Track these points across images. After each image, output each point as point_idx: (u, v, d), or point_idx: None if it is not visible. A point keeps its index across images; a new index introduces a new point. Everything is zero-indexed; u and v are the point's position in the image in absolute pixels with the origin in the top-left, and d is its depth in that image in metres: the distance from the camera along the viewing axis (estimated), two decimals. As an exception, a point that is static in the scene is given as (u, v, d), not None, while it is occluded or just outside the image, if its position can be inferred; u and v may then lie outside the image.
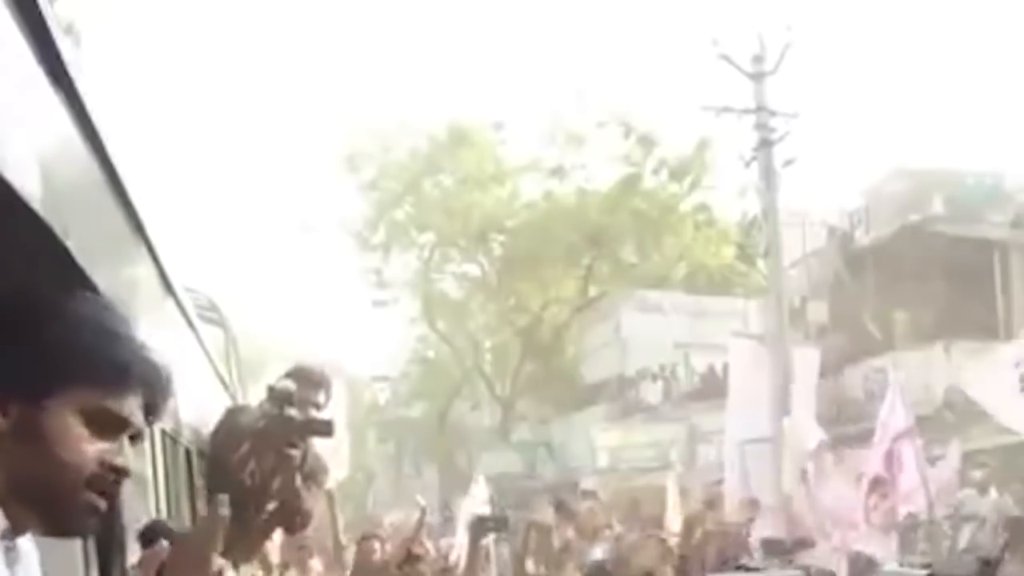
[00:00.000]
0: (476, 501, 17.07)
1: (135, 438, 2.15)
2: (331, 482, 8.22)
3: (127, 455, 2.13)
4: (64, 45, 2.55)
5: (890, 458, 13.16)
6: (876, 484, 13.27)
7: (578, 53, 53.02)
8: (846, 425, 22.21)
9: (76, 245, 2.37)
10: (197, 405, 5.62)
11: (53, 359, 2.01)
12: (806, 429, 16.48)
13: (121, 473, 2.09)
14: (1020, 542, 10.78)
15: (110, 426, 2.07)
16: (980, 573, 8.01)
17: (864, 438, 15.60)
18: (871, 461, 13.65)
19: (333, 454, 8.80)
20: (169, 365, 2.21)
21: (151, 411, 2.15)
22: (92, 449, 2.04)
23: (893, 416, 13.35)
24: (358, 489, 44.16)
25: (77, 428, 2.03)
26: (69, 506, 2.04)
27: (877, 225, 28.42)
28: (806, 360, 19.64)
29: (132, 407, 2.09)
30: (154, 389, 2.14)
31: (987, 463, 18.65)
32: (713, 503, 14.53)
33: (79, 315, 2.11)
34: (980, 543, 14.96)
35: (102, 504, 2.08)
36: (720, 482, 19.14)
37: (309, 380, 5.91)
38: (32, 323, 2.04)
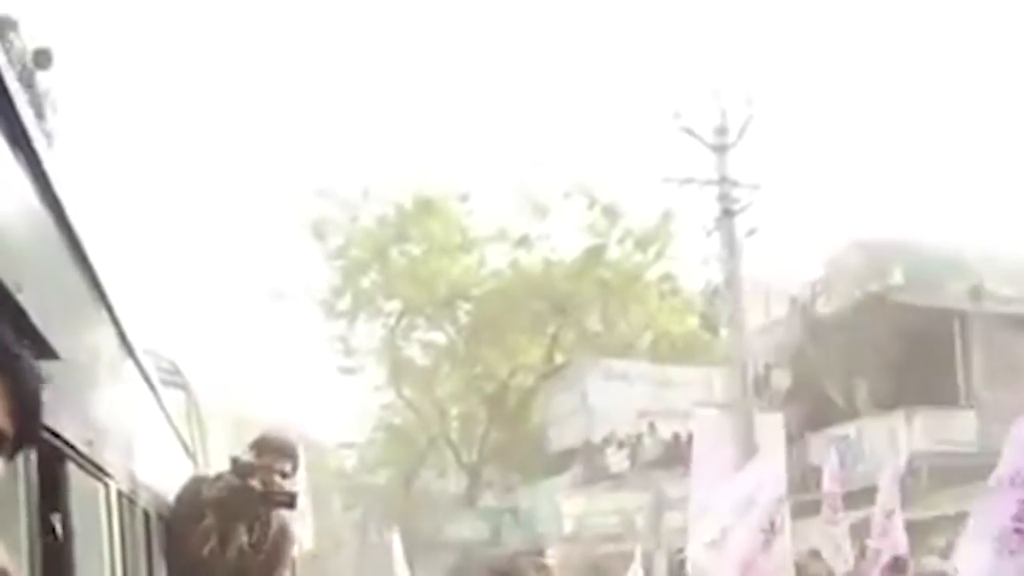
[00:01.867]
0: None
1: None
2: (296, 551, 8.22)
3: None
4: (25, 110, 2.64)
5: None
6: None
7: (543, 124, 53.38)
8: (809, 493, 22.27)
9: (31, 304, 2.42)
10: (156, 467, 5.66)
11: None
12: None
13: None
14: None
15: None
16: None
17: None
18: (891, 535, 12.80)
19: (299, 520, 8.82)
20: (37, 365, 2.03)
21: (23, 415, 1.94)
22: None
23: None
24: (324, 556, 43.84)
25: None
26: None
27: (838, 294, 28.62)
28: (769, 427, 19.71)
29: None
30: (21, 387, 1.93)
31: (948, 529, 18.69)
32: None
33: None
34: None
35: None
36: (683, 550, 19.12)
37: (276, 449, 5.93)
38: None
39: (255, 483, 5.64)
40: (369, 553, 44.67)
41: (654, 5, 66.50)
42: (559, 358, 41.04)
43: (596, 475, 36.15)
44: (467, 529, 36.99)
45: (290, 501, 5.85)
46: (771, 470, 11.74)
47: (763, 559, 10.96)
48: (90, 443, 3.74)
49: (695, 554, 11.99)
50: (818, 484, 22.94)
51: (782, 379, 29.51)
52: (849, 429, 26.53)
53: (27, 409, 1.95)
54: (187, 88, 75.42)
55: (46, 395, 2.01)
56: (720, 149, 23.82)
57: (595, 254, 39.63)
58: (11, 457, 1.98)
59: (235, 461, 5.74)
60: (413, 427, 44.70)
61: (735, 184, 23.72)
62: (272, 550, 5.85)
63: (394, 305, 42.27)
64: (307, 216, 40.88)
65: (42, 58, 6.30)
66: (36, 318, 2.50)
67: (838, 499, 14.03)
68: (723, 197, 23.67)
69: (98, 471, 3.96)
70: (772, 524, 11.03)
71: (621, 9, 63.78)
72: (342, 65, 63.45)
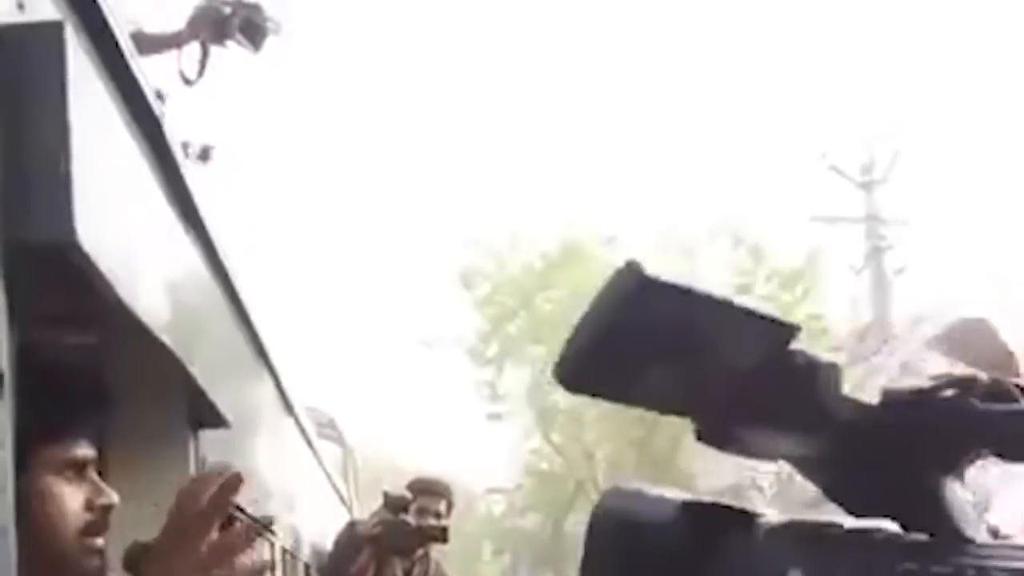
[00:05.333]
0: None
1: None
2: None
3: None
4: (189, 179, 2.69)
5: None
6: None
7: (688, 166, 53.17)
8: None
9: (203, 375, 2.47)
10: (316, 522, 5.73)
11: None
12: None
13: (108, 509, 2.07)
14: None
15: (79, 469, 2.03)
16: None
17: None
18: None
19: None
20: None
21: (97, 437, 2.08)
22: (76, 501, 2.02)
23: None
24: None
25: (57, 486, 2.00)
26: (74, 561, 2.03)
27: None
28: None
29: (86, 445, 2.05)
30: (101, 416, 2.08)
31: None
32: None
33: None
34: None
35: (100, 542, 2.08)
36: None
37: (430, 490, 6.00)
38: None
39: (409, 518, 5.69)
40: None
41: (799, 44, 66.11)
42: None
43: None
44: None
45: (443, 536, 5.90)
46: None
47: None
48: (255, 502, 3.80)
49: None
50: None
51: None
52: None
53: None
54: (335, 142, 76.56)
55: (216, 460, 2.09)
56: (867, 186, 23.53)
57: (741, 294, 39.29)
58: None
59: (388, 496, 5.79)
60: (561, 471, 44.59)
61: (883, 221, 23.39)
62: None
63: (540, 351, 42.32)
64: (455, 266, 41.28)
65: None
66: (207, 387, 2.55)
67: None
68: (871, 234, 23.35)
69: (263, 528, 4.03)
70: None
71: (765, 49, 63.54)
72: (488, 118, 64.02)
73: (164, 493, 2.30)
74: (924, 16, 62.69)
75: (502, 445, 46.13)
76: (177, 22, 6.37)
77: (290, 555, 4.75)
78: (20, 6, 1.71)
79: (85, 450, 2.05)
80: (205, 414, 2.63)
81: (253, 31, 6.51)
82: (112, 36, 2.02)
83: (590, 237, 40.63)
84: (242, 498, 3.59)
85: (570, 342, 1.18)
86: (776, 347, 1.26)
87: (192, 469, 2.83)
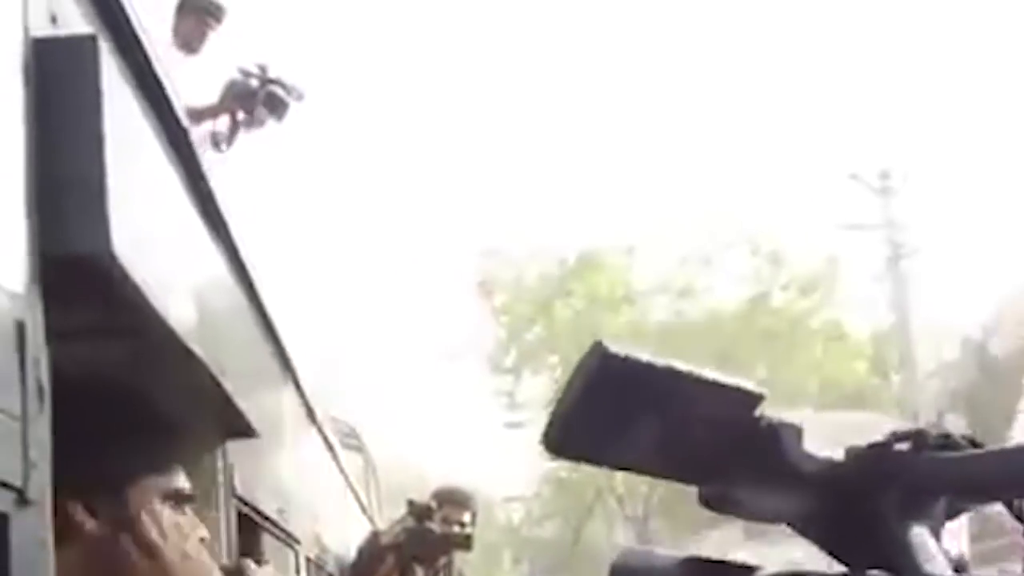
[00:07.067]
0: None
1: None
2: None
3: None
4: (219, 193, 2.71)
5: None
6: None
7: (706, 174, 53.11)
8: (992, 539, 21.76)
9: (234, 386, 2.49)
10: (340, 532, 5.74)
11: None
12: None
13: (203, 542, 2.11)
14: None
15: (179, 501, 2.08)
16: None
17: (1008, 552, 15.26)
18: None
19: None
20: None
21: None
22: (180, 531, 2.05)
23: None
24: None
25: (163, 514, 2.04)
26: None
27: (1011, 334, 28.02)
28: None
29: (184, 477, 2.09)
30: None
31: None
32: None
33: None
34: None
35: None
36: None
37: (454, 500, 6.04)
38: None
39: (433, 526, 5.71)
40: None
41: (816, 54, 66.11)
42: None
43: (765, 526, 35.62)
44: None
45: (468, 544, 5.93)
46: None
47: None
48: (281, 512, 3.81)
49: None
50: (995, 532, 22.50)
51: (957, 424, 28.93)
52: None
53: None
54: (353, 152, 76.72)
55: (244, 470, 2.13)
56: (886, 192, 23.54)
57: (759, 301, 39.33)
58: None
59: (412, 504, 5.81)
60: (579, 480, 44.62)
61: (902, 228, 23.41)
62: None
63: (558, 359, 42.35)
64: (474, 275, 41.39)
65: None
66: (237, 398, 2.57)
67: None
68: (890, 241, 23.36)
69: (289, 538, 4.04)
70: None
71: (782, 59, 63.52)
72: (507, 127, 64.13)
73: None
74: (938, 22, 62.68)
75: (521, 453, 46.17)
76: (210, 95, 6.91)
77: (316, 565, 4.76)
78: (53, 19, 1.73)
79: (186, 483, 2.08)
80: (234, 424, 2.64)
81: (276, 103, 7.16)
82: (143, 49, 2.04)
83: (609, 246, 40.73)
84: (268, 508, 3.60)
85: (553, 413, 1.31)
86: (744, 413, 1.40)
87: (221, 479, 2.85)
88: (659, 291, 41.11)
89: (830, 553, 1.51)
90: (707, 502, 1.46)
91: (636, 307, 41.48)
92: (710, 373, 1.40)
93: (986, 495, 1.48)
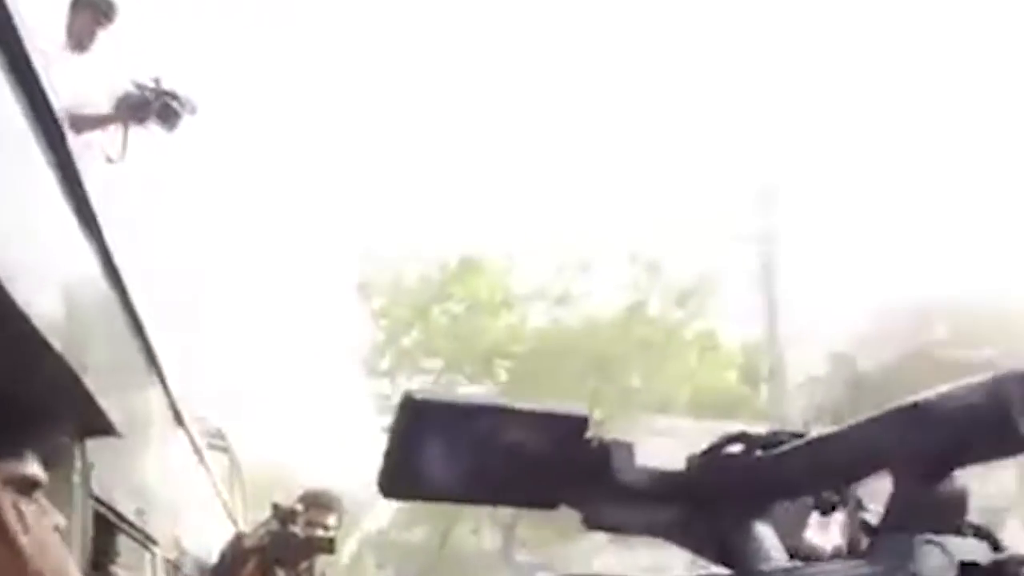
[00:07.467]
0: None
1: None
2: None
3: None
4: (92, 192, 2.68)
5: None
6: None
7: (585, 182, 53.31)
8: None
9: (95, 383, 2.46)
10: (201, 534, 5.69)
11: None
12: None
13: (56, 529, 2.06)
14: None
15: (28, 489, 2.02)
16: None
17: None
18: None
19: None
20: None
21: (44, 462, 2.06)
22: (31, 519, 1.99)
23: None
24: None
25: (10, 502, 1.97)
26: None
27: (881, 350, 28.50)
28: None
29: (36, 464, 2.03)
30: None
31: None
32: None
33: None
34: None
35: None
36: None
37: (320, 503, 6.01)
38: None
39: (296, 529, 5.68)
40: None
41: (697, 63, 66.70)
42: (598, 415, 40.72)
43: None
44: (502, 586, 36.76)
45: (330, 547, 5.92)
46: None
47: None
48: (140, 512, 3.77)
49: None
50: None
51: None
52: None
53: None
54: (234, 147, 75.98)
55: (102, 469, 2.09)
56: (763, 205, 23.86)
57: (635, 310, 39.61)
58: None
59: (277, 507, 5.78)
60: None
61: (777, 241, 23.74)
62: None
63: (435, 363, 42.27)
64: (352, 278, 41.16)
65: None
66: (99, 396, 2.53)
67: None
68: (763, 253, 23.68)
69: (146, 539, 4.00)
70: None
71: (663, 69, 63.99)
72: (385, 128, 63.86)
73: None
74: (820, 36, 63.56)
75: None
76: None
77: (173, 566, 4.71)
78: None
79: (36, 469, 2.04)
80: (95, 422, 2.61)
81: (169, 114, 7.32)
82: (20, 44, 2.01)
83: (487, 251, 40.76)
84: (126, 509, 3.56)
85: (383, 460, 1.39)
86: (572, 438, 1.45)
87: (78, 479, 2.80)
88: (537, 297, 41.24)
89: (704, 556, 1.55)
90: (590, 523, 1.53)
91: (514, 312, 41.57)
92: (534, 404, 1.43)
93: (802, 488, 1.52)
